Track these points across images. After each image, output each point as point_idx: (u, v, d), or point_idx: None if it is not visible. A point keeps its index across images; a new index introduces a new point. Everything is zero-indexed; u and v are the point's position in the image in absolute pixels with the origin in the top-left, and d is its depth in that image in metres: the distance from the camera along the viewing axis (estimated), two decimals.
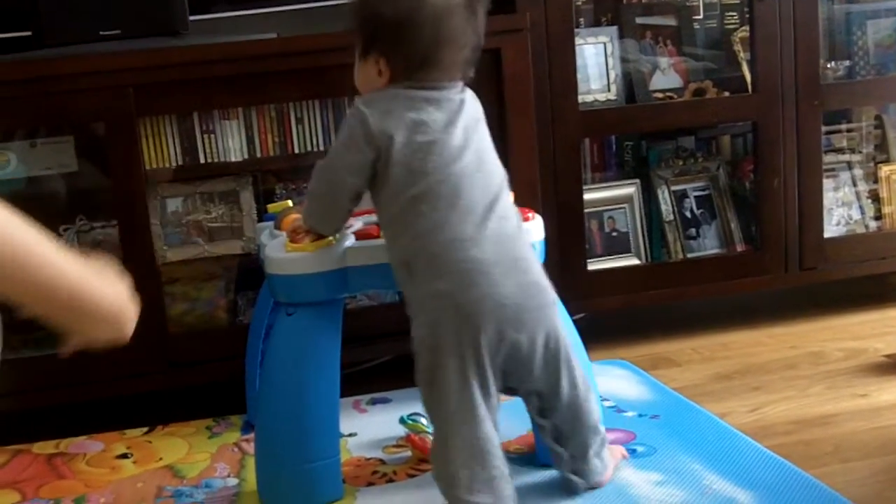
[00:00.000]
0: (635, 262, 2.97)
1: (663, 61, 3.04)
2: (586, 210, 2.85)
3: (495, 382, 1.77)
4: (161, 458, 2.27)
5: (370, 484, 2.06)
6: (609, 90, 2.97)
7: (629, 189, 3.01)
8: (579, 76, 2.81)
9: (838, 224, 3.08)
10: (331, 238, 1.95)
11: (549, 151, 2.72)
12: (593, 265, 2.87)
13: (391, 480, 2.07)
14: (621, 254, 2.98)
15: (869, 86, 3.06)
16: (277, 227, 2.11)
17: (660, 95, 3.00)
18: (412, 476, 2.07)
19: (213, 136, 2.50)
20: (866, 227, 3.10)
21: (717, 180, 3.06)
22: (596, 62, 2.97)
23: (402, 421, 2.25)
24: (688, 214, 3.02)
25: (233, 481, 2.12)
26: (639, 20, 3.08)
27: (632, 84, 3.01)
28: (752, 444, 2.08)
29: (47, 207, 2.55)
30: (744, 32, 3.01)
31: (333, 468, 1.98)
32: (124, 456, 2.30)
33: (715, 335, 2.88)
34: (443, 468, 1.76)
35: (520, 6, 2.62)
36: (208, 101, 2.47)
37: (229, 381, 2.47)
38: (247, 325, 2.44)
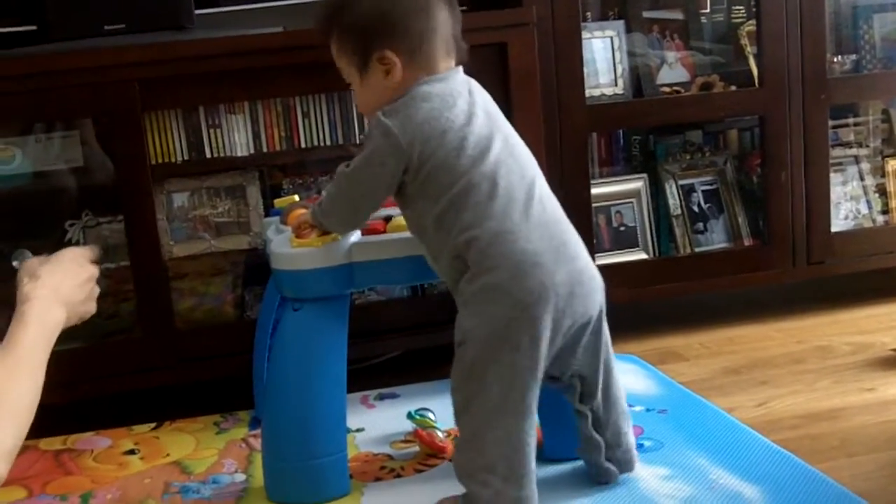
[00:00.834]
0: (643, 256, 2.97)
1: (670, 55, 3.03)
2: (594, 204, 2.85)
3: (541, 374, 1.77)
4: (168, 454, 2.27)
5: (378, 479, 2.05)
6: (616, 84, 2.97)
7: (637, 183, 3.00)
8: (586, 70, 2.81)
9: (846, 218, 3.07)
10: (336, 234, 1.94)
11: (556, 146, 2.71)
12: (601, 259, 2.87)
13: (399, 476, 2.07)
14: (629, 248, 2.97)
15: (876, 79, 3.05)
16: (283, 221, 2.10)
17: (667, 90, 3.00)
18: (420, 471, 2.07)
19: (219, 130, 2.49)
20: (874, 221, 3.10)
21: (725, 174, 3.06)
22: (603, 56, 2.96)
23: (409, 416, 2.25)
24: (695, 209, 3.01)
25: (240, 477, 2.12)
26: (646, 14, 3.07)
27: (639, 78, 3.01)
28: (759, 438, 2.07)
29: (53, 202, 2.55)
30: (751, 26, 3.00)
31: (340, 464, 1.98)
32: (131, 452, 2.30)
33: (722, 329, 2.88)
34: (477, 458, 1.75)
35: (526, 0, 2.61)
36: (214, 96, 2.46)
37: (237, 376, 2.46)
38: (254, 321, 2.43)
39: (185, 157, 2.49)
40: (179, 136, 2.47)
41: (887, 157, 3.16)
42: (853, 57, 3.09)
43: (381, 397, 2.51)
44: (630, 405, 2.27)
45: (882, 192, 3.13)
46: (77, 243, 2.53)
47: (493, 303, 1.73)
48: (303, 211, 2.01)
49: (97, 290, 1.78)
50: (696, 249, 2.99)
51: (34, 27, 2.49)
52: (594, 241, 2.84)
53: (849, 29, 3.14)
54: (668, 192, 3.01)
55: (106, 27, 2.48)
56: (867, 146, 3.17)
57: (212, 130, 2.49)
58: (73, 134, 2.51)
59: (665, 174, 3.02)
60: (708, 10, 3.14)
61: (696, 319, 2.96)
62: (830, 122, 2.99)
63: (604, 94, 2.94)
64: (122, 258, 2.51)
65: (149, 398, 2.60)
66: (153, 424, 2.45)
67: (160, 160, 2.47)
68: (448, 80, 1.83)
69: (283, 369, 1.97)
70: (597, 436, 1.91)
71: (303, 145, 2.55)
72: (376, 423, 2.35)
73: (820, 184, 2.90)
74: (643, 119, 2.95)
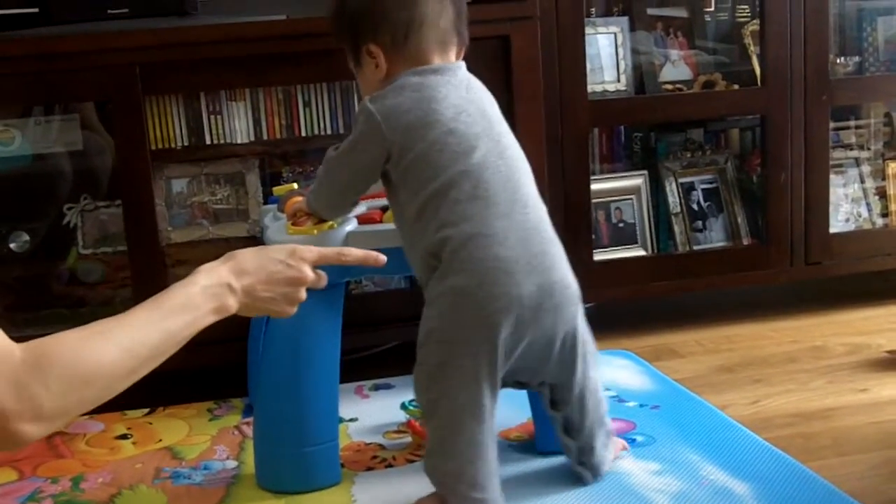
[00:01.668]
0: (641, 253, 2.97)
1: (674, 53, 3.04)
2: (594, 200, 2.84)
3: (502, 378, 1.77)
4: (161, 440, 2.27)
5: (369, 469, 2.05)
6: (619, 81, 2.97)
7: (637, 180, 3.00)
8: (589, 66, 2.81)
9: (846, 220, 3.07)
10: (332, 222, 1.94)
11: (557, 141, 2.71)
12: (599, 255, 2.87)
13: (390, 465, 2.07)
14: (628, 245, 2.97)
15: (878, 82, 3.05)
16: (281, 209, 2.10)
17: (669, 87, 3.00)
18: (411, 461, 2.07)
19: (219, 117, 2.49)
20: (873, 223, 3.10)
21: (725, 173, 3.06)
22: (606, 52, 2.96)
23: (403, 407, 2.26)
24: (695, 207, 3.01)
25: (232, 464, 2.12)
26: (650, 11, 3.08)
27: (642, 75, 3.01)
28: (751, 436, 2.07)
29: (52, 186, 2.55)
30: (755, 26, 3.00)
31: (332, 452, 1.98)
32: (124, 437, 2.31)
33: (719, 328, 2.88)
34: (443, 463, 1.77)
35: None
36: (215, 82, 2.46)
37: (232, 363, 2.46)
38: None
39: (185, 143, 2.49)
40: (180, 121, 2.47)
41: (888, 159, 3.16)
42: (856, 59, 3.08)
43: (376, 388, 2.51)
44: (623, 400, 2.29)
45: (882, 194, 3.13)
46: (75, 227, 2.53)
47: (455, 306, 1.73)
48: (300, 199, 2.01)
49: (299, 295, 1.66)
50: (695, 247, 2.99)
51: (36, 9, 2.48)
52: (593, 236, 2.84)
53: (853, 31, 3.14)
54: (668, 189, 3.01)
55: (108, 11, 2.47)
56: (868, 148, 3.17)
57: (212, 117, 2.49)
58: (73, 117, 2.51)
59: (665, 172, 3.02)
60: (712, 9, 3.15)
61: (692, 317, 2.97)
62: (832, 124, 3.00)
63: (606, 90, 2.94)
64: (119, 244, 2.51)
65: (143, 384, 2.59)
66: (146, 410, 2.45)
67: (160, 146, 2.47)
68: (441, 73, 1.82)
69: (277, 357, 1.97)
70: (567, 440, 1.90)
71: (303, 134, 2.55)
72: (370, 413, 2.35)
73: (819, 185, 2.90)
74: (645, 116, 2.95)
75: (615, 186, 2.99)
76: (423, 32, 1.82)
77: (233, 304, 1.57)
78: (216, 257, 2.58)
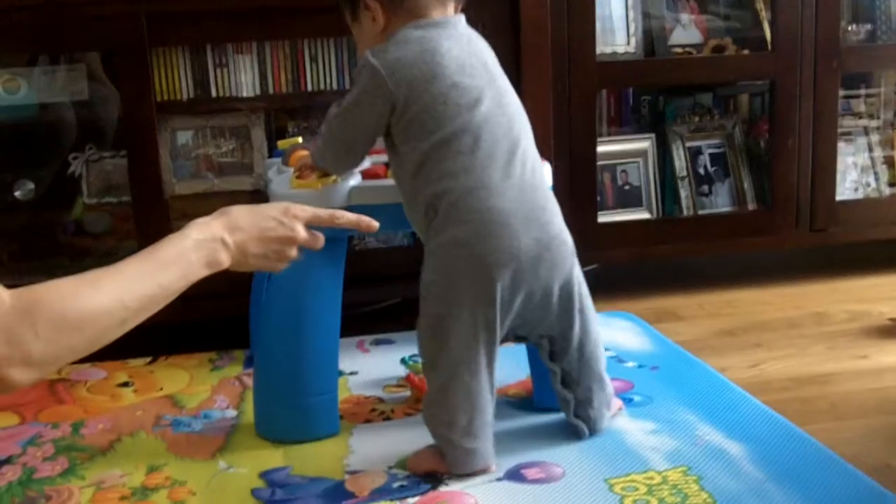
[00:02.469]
0: (646, 216, 2.97)
1: (684, 17, 3.02)
2: (600, 162, 2.84)
3: (502, 332, 1.78)
4: (162, 388, 2.29)
5: (367, 421, 2.07)
6: (628, 43, 2.95)
7: (644, 143, 3.00)
8: (599, 27, 2.80)
9: (854, 189, 3.07)
10: (336, 176, 1.94)
11: (565, 101, 2.71)
12: (604, 217, 2.87)
13: (388, 418, 2.08)
14: (633, 207, 2.97)
15: (890, 50, 3.04)
16: (285, 163, 2.10)
17: (679, 51, 2.98)
18: (409, 415, 2.08)
19: (225, 69, 2.49)
20: (880, 192, 3.09)
21: (733, 138, 3.05)
22: (617, 14, 2.95)
23: (403, 361, 2.27)
24: (701, 171, 3.01)
25: (231, 413, 2.13)
26: None
27: (652, 38, 2.99)
28: (749, 398, 2.08)
29: (57, 135, 2.55)
30: None
31: (331, 404, 2.00)
32: (125, 384, 2.32)
33: (722, 292, 2.88)
34: (440, 413, 1.79)
35: None
36: (222, 35, 2.46)
37: (236, 315, 2.47)
38: None
39: (191, 96, 2.49)
40: (186, 73, 2.47)
41: None
42: (868, 26, 3.07)
43: (377, 343, 2.53)
44: (622, 361, 2.30)
45: (890, 163, 3.12)
46: (80, 177, 2.53)
47: (454, 258, 1.74)
48: (304, 153, 2.02)
49: (291, 253, 1.67)
50: (700, 212, 2.98)
51: None
52: (598, 198, 2.84)
53: None
54: (674, 153, 3.00)
55: None
56: (878, 117, 3.16)
57: (219, 69, 2.49)
58: (78, 67, 2.50)
59: (673, 135, 3.01)
60: None
61: (695, 281, 2.97)
62: (842, 92, 2.99)
63: (615, 52, 2.93)
64: (123, 194, 2.51)
65: (146, 334, 2.60)
66: (149, 359, 2.46)
67: (165, 97, 2.47)
68: (441, 27, 1.81)
69: (278, 309, 1.98)
70: (565, 392, 1.91)
71: (309, 89, 2.54)
72: (370, 367, 2.36)
73: (827, 152, 2.89)
74: (653, 78, 2.95)
75: (622, 149, 2.98)
76: None
77: (225, 259, 1.58)
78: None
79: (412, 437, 1.90)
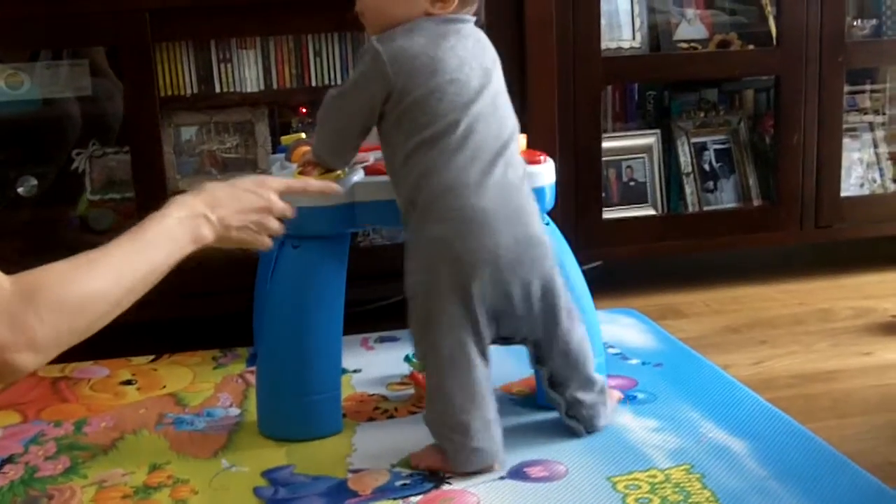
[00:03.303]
0: (651, 212, 2.96)
1: (690, 12, 3.01)
2: (605, 158, 2.83)
3: (488, 330, 1.78)
4: (165, 386, 2.29)
5: (371, 419, 2.06)
6: (634, 38, 2.94)
7: (649, 139, 2.99)
8: (604, 22, 2.79)
9: (859, 185, 3.06)
10: (339, 172, 1.94)
11: (570, 97, 2.70)
12: (609, 214, 2.87)
13: (392, 416, 2.08)
14: (638, 203, 2.96)
15: (895, 46, 3.02)
16: (288, 158, 2.10)
17: (684, 46, 2.97)
18: (413, 413, 2.08)
19: (229, 65, 2.49)
20: (885, 188, 3.08)
21: (738, 134, 3.04)
22: (622, 9, 2.94)
23: (406, 359, 2.26)
24: (706, 167, 3.00)
25: (234, 411, 2.13)
26: None
27: (657, 33, 2.98)
28: (752, 395, 2.08)
29: (60, 130, 2.55)
30: None
31: (334, 402, 1.99)
32: (128, 382, 2.32)
33: (726, 288, 2.88)
34: (441, 413, 1.79)
35: None
36: (226, 29, 2.46)
37: (239, 312, 2.47)
38: (257, 258, 2.44)
39: (195, 91, 2.49)
40: (190, 69, 2.47)
41: None
42: (874, 22, 3.06)
43: (382, 340, 2.53)
44: (626, 358, 2.30)
45: (895, 159, 3.10)
46: (83, 173, 2.53)
47: (434, 257, 1.74)
48: (307, 148, 2.01)
49: (270, 223, 1.71)
50: (705, 208, 2.97)
51: None
52: (603, 194, 2.83)
53: None
54: (680, 149, 2.99)
55: None
56: (884, 113, 3.15)
57: (222, 65, 2.49)
58: (82, 62, 2.50)
59: (678, 131, 3.01)
60: None
61: (700, 277, 2.96)
62: (848, 88, 2.99)
63: (620, 47, 2.92)
64: (127, 190, 2.51)
65: (151, 332, 2.61)
66: (152, 356, 2.46)
67: (169, 93, 2.47)
68: (452, 22, 1.81)
69: (281, 306, 1.98)
70: (554, 394, 1.91)
71: (313, 84, 2.54)
72: (374, 364, 2.36)
73: (832, 148, 2.88)
74: (658, 74, 2.94)
75: (627, 145, 2.98)
76: None
77: (208, 234, 1.59)
78: None
79: (416, 436, 1.89)
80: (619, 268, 3.01)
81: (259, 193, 1.68)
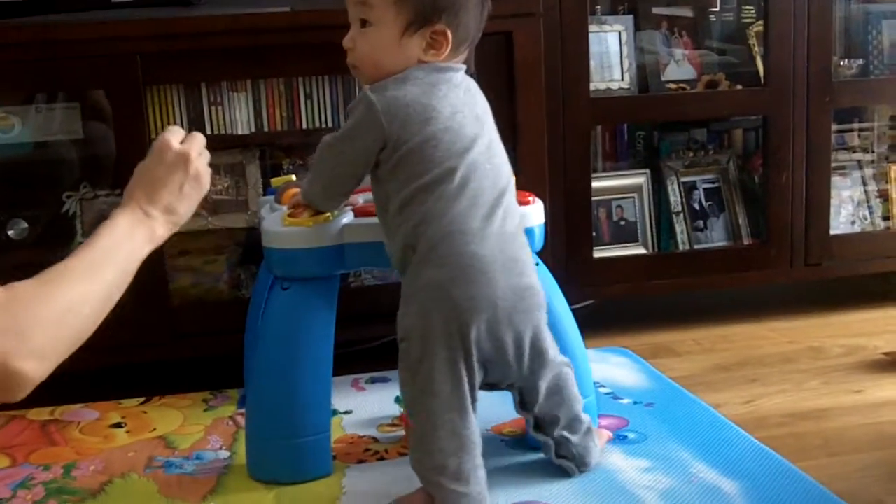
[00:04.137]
0: (642, 251, 2.97)
1: (678, 52, 3.03)
2: (595, 198, 2.84)
3: (478, 376, 1.78)
4: (155, 429, 2.28)
5: (361, 461, 2.06)
6: (623, 79, 2.96)
7: (639, 179, 3.00)
8: (593, 64, 2.81)
9: (849, 222, 3.07)
10: (329, 214, 1.94)
11: (560, 138, 2.71)
12: (600, 253, 2.87)
13: (382, 458, 2.07)
14: (629, 243, 2.97)
15: (882, 85, 3.05)
16: (278, 200, 2.11)
17: (673, 86, 2.99)
18: (403, 455, 2.06)
19: (220, 107, 2.49)
20: (874, 226, 3.09)
21: (727, 173, 3.05)
22: (610, 50, 2.96)
23: (397, 400, 2.26)
24: (696, 206, 3.01)
25: (224, 454, 2.12)
26: (656, 10, 3.08)
27: (646, 74, 3.00)
28: (743, 434, 2.08)
29: (51, 174, 2.55)
30: (760, 26, 2.99)
31: (323, 444, 1.99)
32: (118, 425, 2.31)
33: (717, 327, 2.88)
34: (428, 458, 1.78)
35: None
36: (217, 73, 2.47)
37: (230, 354, 2.47)
38: (248, 299, 2.44)
39: (186, 133, 2.49)
40: (181, 111, 2.48)
41: (892, 162, 3.15)
42: (860, 61, 3.08)
43: (373, 381, 2.52)
44: (618, 397, 2.30)
45: (885, 197, 3.12)
46: (74, 215, 2.53)
47: (431, 302, 1.74)
48: (297, 190, 2.02)
49: (195, 166, 1.77)
50: (696, 247, 2.98)
51: None
52: (594, 234, 2.84)
53: (858, 34, 3.13)
54: (669, 188, 3.00)
55: (112, 0, 2.48)
56: (872, 151, 3.17)
57: (213, 107, 2.49)
58: (73, 105, 2.51)
59: (668, 170, 3.02)
60: (718, 9, 3.15)
61: (691, 316, 2.97)
62: (836, 126, 3.01)
63: (609, 88, 2.94)
64: None
65: (142, 373, 2.61)
66: (142, 399, 2.46)
67: None
68: (444, 71, 1.82)
69: (270, 347, 1.97)
70: (540, 436, 1.92)
71: (304, 126, 2.55)
72: (365, 406, 2.35)
73: (821, 186, 2.90)
74: (646, 114, 2.95)
75: (617, 184, 2.99)
76: (469, 42, 1.86)
77: (160, 230, 1.69)
78: (215, 248, 2.62)
79: (406, 478, 1.88)
80: (609, 307, 3.02)
81: (164, 152, 1.77)
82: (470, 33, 1.84)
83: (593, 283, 2.79)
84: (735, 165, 3.07)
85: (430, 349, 1.74)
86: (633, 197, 2.99)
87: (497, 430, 2.14)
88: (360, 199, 2.09)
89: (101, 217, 2.45)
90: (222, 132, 2.51)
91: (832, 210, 2.95)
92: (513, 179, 1.87)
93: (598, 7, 3.00)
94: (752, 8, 3.10)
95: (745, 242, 3.00)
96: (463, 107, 1.81)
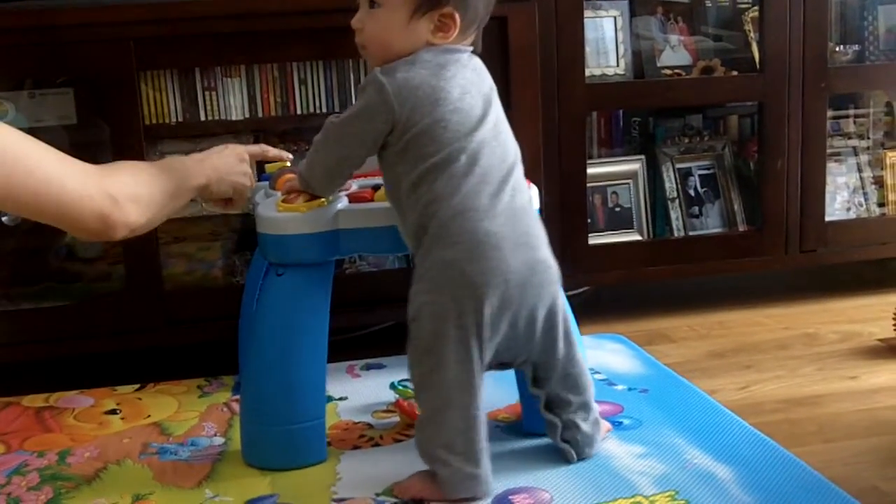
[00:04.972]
0: (637, 237, 2.96)
1: (674, 38, 3.03)
2: (590, 184, 2.84)
3: (488, 355, 1.78)
4: (149, 416, 2.28)
5: (356, 447, 2.06)
6: (618, 65, 2.95)
7: (634, 165, 3.00)
8: (588, 49, 2.81)
9: (844, 209, 3.07)
10: (323, 199, 1.94)
11: (554, 124, 2.71)
12: (595, 239, 2.87)
13: (377, 444, 2.07)
14: (624, 229, 2.97)
15: (878, 71, 3.04)
16: (272, 186, 2.10)
17: (668, 72, 2.99)
18: (398, 441, 2.07)
19: (214, 93, 2.49)
20: (869, 212, 3.09)
21: (723, 160, 3.05)
22: (605, 36, 2.95)
23: (392, 386, 2.26)
24: (691, 192, 3.01)
25: (219, 440, 2.12)
26: None
27: (641, 60, 3.00)
28: (738, 420, 2.07)
29: None
30: (755, 12, 2.98)
31: (318, 430, 1.98)
32: (113, 412, 2.31)
33: (712, 313, 2.88)
34: (436, 435, 1.78)
35: None
36: (211, 58, 2.46)
37: (225, 340, 2.46)
38: (243, 285, 2.43)
39: (180, 119, 2.49)
40: (174, 97, 2.47)
41: (888, 149, 3.15)
42: (856, 47, 3.07)
43: (368, 367, 2.52)
44: (612, 384, 2.30)
45: (880, 183, 3.12)
46: None
47: (445, 279, 1.75)
48: (292, 176, 2.01)
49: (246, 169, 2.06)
50: (691, 233, 2.98)
51: None
52: (589, 220, 2.84)
53: (854, 20, 3.13)
54: (665, 174, 3.00)
55: None
56: (868, 138, 3.17)
57: (207, 93, 2.49)
58: (66, 91, 2.50)
59: (663, 157, 3.01)
60: None
61: (686, 302, 2.97)
62: (831, 113, 3.01)
63: (605, 74, 2.93)
64: None
65: (136, 360, 2.61)
66: (137, 385, 2.45)
67: (154, 121, 2.47)
68: (454, 53, 1.83)
69: (264, 334, 1.97)
70: (551, 417, 1.92)
71: (298, 112, 2.55)
72: (360, 392, 2.35)
73: (816, 172, 2.89)
74: (641, 100, 2.95)
75: (612, 171, 2.98)
76: (476, 27, 1.86)
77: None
78: (210, 234, 2.61)
79: (401, 464, 1.89)
80: (605, 293, 3.02)
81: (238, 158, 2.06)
82: (478, 15, 1.84)
83: (588, 270, 2.79)
84: (730, 152, 3.06)
85: (442, 327, 1.75)
86: (628, 183, 2.98)
87: (492, 416, 2.13)
88: (355, 185, 2.08)
89: None
90: (216, 118, 2.51)
91: (827, 196, 2.94)
92: (519, 156, 1.87)
93: None
94: None
95: (741, 229, 3.00)
96: (471, 87, 1.82)
